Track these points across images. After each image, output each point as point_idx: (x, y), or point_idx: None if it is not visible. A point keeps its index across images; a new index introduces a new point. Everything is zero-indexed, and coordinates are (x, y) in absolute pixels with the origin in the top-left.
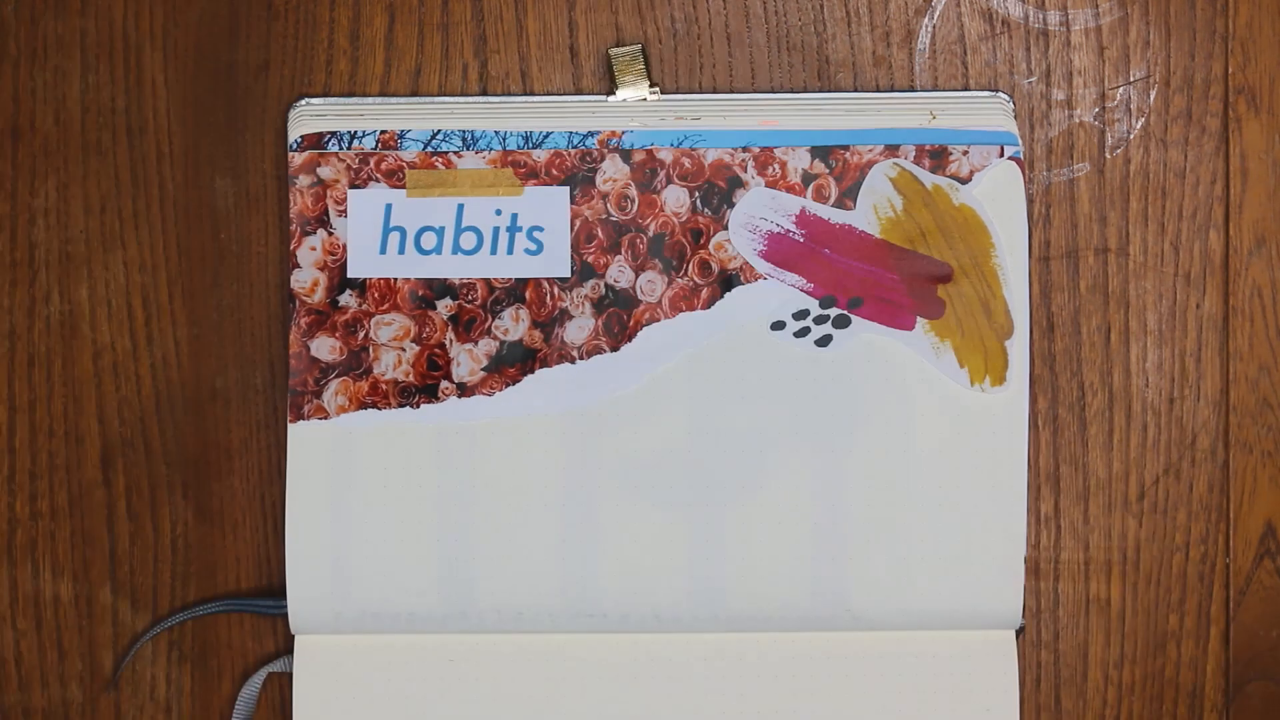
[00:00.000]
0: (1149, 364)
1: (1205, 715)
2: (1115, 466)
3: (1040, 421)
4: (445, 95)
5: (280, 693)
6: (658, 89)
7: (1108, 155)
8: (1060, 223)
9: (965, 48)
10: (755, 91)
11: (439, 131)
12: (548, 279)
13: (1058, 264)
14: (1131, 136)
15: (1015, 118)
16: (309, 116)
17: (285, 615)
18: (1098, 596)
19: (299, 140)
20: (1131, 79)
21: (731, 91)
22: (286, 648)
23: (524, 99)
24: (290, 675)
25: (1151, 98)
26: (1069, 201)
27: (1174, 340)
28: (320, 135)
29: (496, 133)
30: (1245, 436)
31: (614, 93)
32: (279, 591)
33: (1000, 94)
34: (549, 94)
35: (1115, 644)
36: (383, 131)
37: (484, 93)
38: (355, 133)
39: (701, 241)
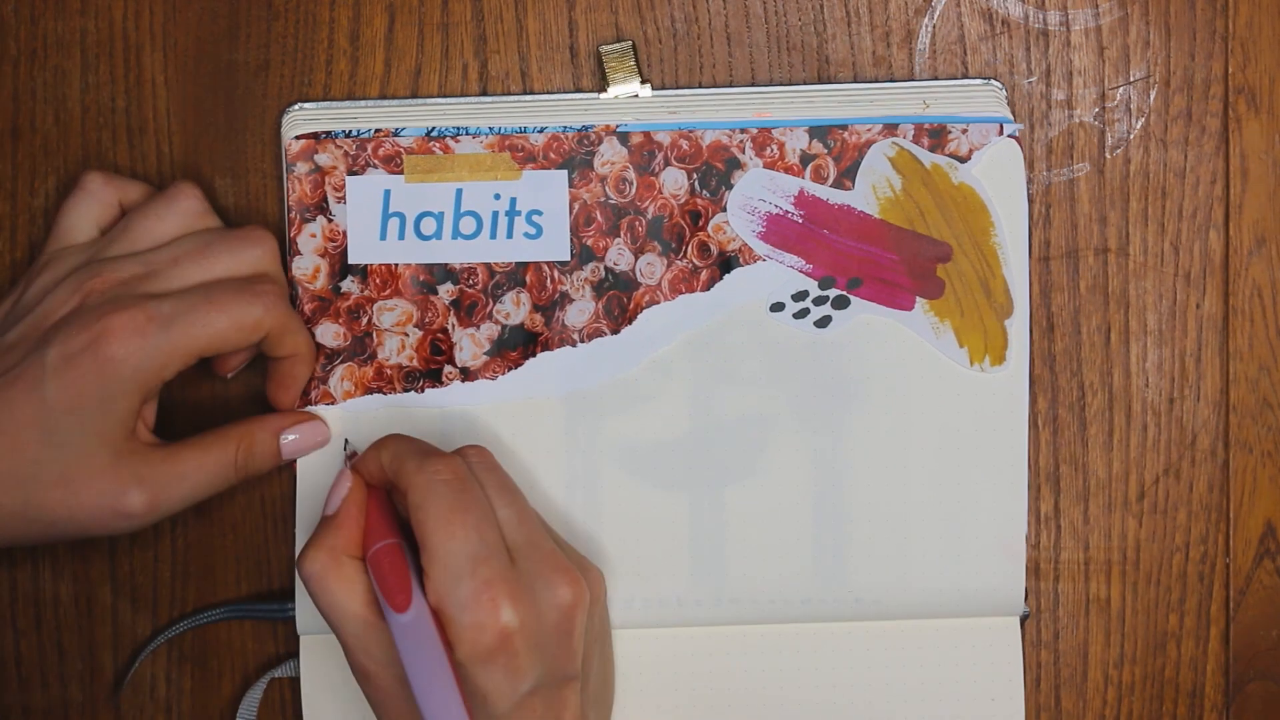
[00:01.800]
0: (1149, 364)
1: (1205, 715)
2: (1115, 466)
3: (1040, 421)
4: (445, 95)
5: (281, 694)
6: (649, 85)
7: (1108, 155)
8: (1060, 223)
9: (965, 48)
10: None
11: (433, 129)
12: (548, 263)
13: (1058, 264)
14: (1131, 136)
15: (1009, 105)
16: (302, 121)
17: (291, 619)
18: (1098, 596)
19: (293, 139)
20: (1131, 79)
21: None
22: (287, 648)
23: (515, 98)
24: (291, 678)
25: (1151, 98)
26: (1069, 201)
27: (1174, 340)
28: (315, 135)
29: (490, 129)
30: (1245, 436)
31: (605, 89)
32: (279, 594)
33: (993, 82)
34: (548, 93)
35: (1115, 644)
36: (377, 130)
37: (484, 93)
38: (350, 132)
39: (700, 223)
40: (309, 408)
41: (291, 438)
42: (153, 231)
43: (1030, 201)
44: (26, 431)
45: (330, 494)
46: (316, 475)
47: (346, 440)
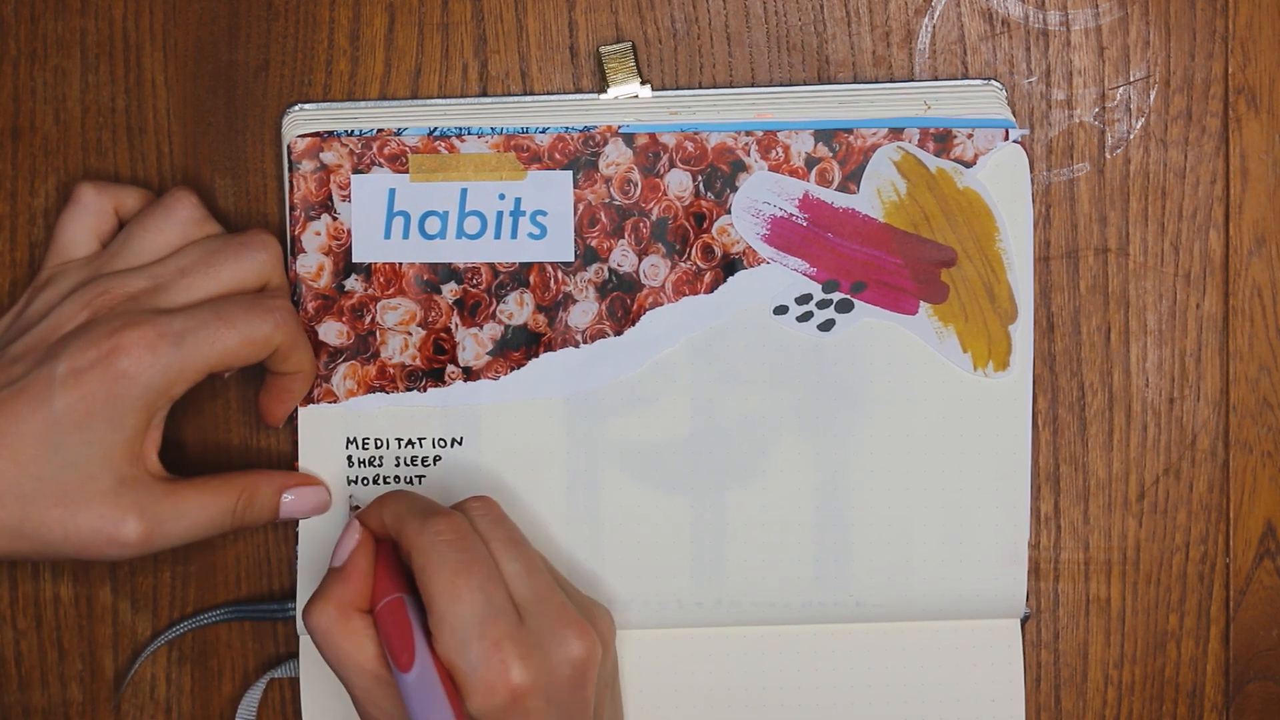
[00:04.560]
0: (1149, 364)
1: (1205, 715)
2: (1115, 466)
3: (1040, 421)
4: (445, 96)
5: (281, 694)
6: (649, 85)
7: (1108, 155)
8: (1060, 223)
9: (965, 48)
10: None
11: (435, 129)
12: (551, 263)
13: (1058, 264)
14: (1131, 136)
15: (1009, 106)
16: (302, 122)
17: (291, 619)
18: (1098, 596)
19: (296, 138)
20: (1131, 79)
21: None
22: (287, 648)
23: (515, 99)
24: (291, 678)
25: (1151, 98)
26: (1069, 201)
27: (1174, 340)
28: (319, 134)
29: (492, 130)
30: (1245, 436)
31: (605, 90)
32: (279, 594)
33: (993, 82)
34: (549, 94)
35: (1115, 644)
36: (379, 130)
37: (484, 93)
38: (351, 131)
39: (704, 225)
40: (311, 406)
41: (291, 498)
42: (154, 243)
43: (1030, 201)
44: (31, 445)
45: (338, 546)
46: (320, 466)
47: (351, 495)
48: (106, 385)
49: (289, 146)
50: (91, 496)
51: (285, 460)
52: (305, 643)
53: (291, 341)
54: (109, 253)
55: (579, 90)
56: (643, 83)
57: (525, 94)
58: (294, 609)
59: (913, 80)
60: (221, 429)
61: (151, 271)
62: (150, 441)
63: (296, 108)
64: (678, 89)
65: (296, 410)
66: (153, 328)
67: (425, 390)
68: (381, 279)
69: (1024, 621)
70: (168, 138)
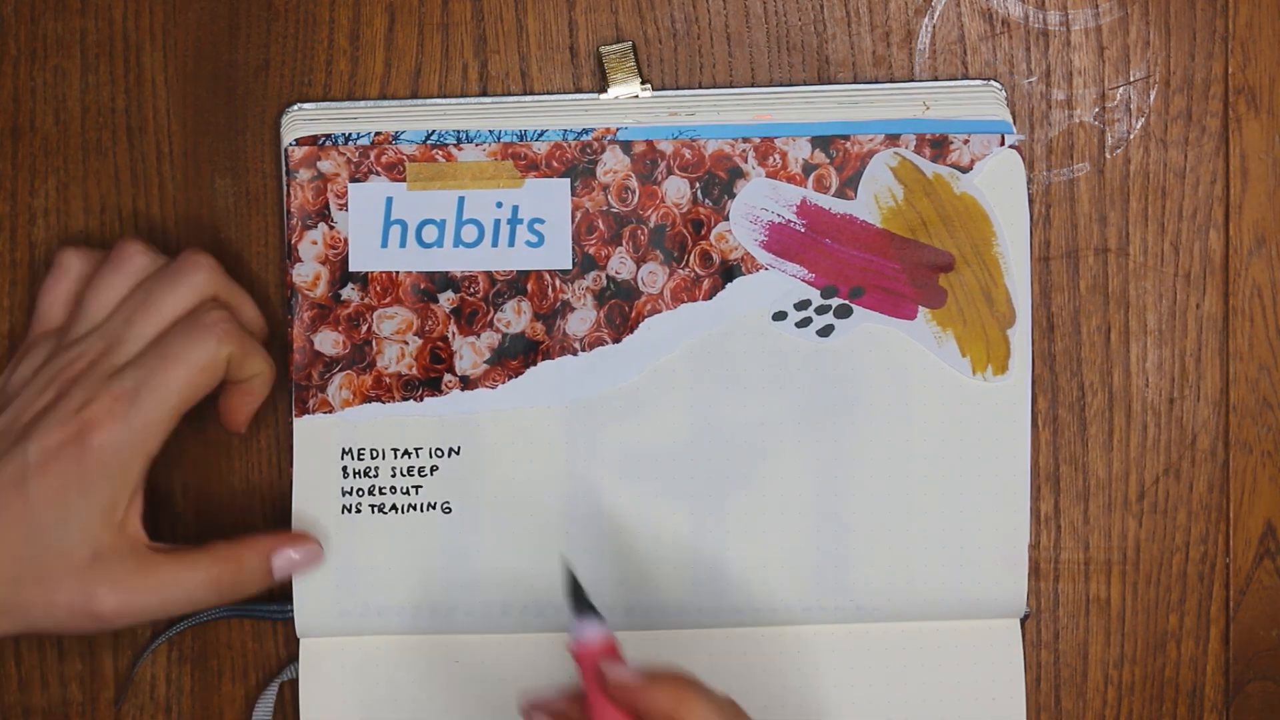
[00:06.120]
0: (1149, 364)
1: (1205, 715)
2: (1115, 466)
3: (1040, 421)
4: (445, 96)
5: (281, 694)
6: (649, 85)
7: (1108, 155)
8: (1060, 223)
9: (965, 48)
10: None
11: (434, 132)
12: (549, 271)
13: (1058, 264)
14: (1131, 136)
15: (1009, 106)
16: (301, 122)
17: (291, 620)
18: (1098, 596)
19: (294, 144)
20: (1131, 79)
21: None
22: (287, 648)
23: (516, 99)
24: (293, 680)
25: (1151, 98)
26: (1069, 201)
27: (1174, 340)
28: (315, 137)
29: (491, 132)
30: (1245, 436)
31: (605, 90)
32: (279, 594)
33: (993, 83)
34: (548, 94)
35: (1115, 644)
36: (377, 133)
37: (484, 93)
38: (350, 134)
39: (702, 232)
40: (306, 416)
41: (281, 563)
42: (108, 301)
43: (1030, 202)
44: (11, 529)
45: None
46: (315, 477)
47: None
48: (78, 461)
49: (286, 154)
50: (66, 572)
51: (280, 464)
52: (305, 645)
53: (242, 349)
54: (71, 319)
55: (579, 90)
56: (643, 83)
57: (525, 94)
58: (294, 610)
59: (913, 80)
60: (221, 429)
61: (104, 330)
62: (133, 508)
63: (295, 107)
64: (678, 89)
65: (292, 421)
66: (109, 394)
67: (422, 400)
68: (378, 288)
69: (1024, 621)
70: (168, 138)
